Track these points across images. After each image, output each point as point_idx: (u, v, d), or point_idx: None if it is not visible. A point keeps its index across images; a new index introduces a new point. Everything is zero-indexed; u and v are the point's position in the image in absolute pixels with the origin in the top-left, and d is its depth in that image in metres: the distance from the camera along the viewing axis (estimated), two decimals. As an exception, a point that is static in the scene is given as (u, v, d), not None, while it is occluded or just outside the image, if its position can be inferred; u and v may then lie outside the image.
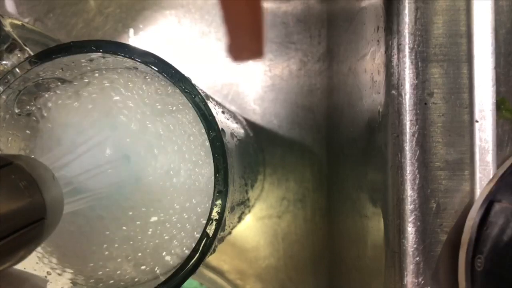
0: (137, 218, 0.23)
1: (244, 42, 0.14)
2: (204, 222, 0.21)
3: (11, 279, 0.18)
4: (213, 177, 0.21)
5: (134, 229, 0.23)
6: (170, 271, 0.22)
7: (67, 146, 0.23)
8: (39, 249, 0.24)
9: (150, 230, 0.23)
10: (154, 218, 0.23)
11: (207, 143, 0.22)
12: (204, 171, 0.23)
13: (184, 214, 0.23)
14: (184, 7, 0.42)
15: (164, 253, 0.23)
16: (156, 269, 0.23)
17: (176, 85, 0.21)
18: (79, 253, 0.24)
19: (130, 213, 0.23)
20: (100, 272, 0.23)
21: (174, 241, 0.23)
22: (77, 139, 0.23)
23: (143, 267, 0.23)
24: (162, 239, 0.23)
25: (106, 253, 0.23)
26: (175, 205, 0.23)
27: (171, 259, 0.23)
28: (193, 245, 0.21)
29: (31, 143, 0.24)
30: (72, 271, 0.24)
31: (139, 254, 0.23)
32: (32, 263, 0.23)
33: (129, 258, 0.23)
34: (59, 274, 0.23)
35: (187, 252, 0.23)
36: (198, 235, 0.22)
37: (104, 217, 0.23)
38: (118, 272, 0.23)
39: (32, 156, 0.23)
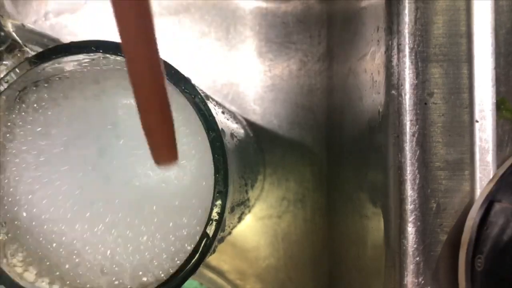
0: (119, 228, 0.23)
1: (160, 152, 0.17)
2: (190, 248, 0.21)
3: None
4: (201, 211, 0.21)
5: (115, 240, 0.23)
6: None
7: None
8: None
9: (131, 246, 0.23)
10: (135, 233, 0.23)
11: (206, 159, 0.22)
12: (198, 191, 0.23)
13: (171, 236, 0.23)
14: (184, 7, 0.42)
15: (140, 272, 0.23)
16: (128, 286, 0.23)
17: (176, 86, 0.21)
18: (50, 257, 0.23)
19: (113, 221, 0.23)
20: (68, 282, 0.23)
21: (154, 261, 0.23)
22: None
23: (116, 282, 0.23)
24: (144, 257, 0.23)
25: (77, 260, 0.23)
26: (158, 223, 0.23)
27: (147, 279, 0.23)
28: (171, 270, 0.21)
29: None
30: (36, 272, 0.23)
31: (116, 268, 0.23)
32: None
33: (105, 270, 0.23)
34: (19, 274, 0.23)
35: (163, 276, 0.23)
36: (179, 262, 0.22)
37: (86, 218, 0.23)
38: (88, 285, 0.23)
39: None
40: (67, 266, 0.23)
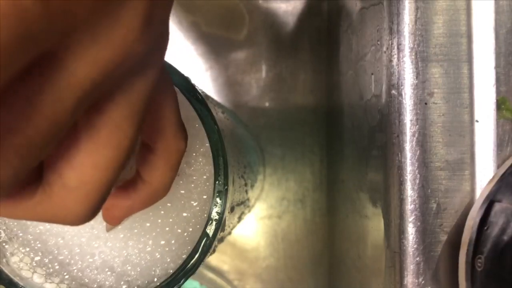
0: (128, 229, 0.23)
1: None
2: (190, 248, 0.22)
3: None
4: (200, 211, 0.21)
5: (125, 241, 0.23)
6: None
7: None
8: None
9: (140, 246, 0.23)
10: (142, 234, 0.23)
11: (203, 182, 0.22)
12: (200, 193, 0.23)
13: (172, 238, 0.23)
14: (184, 7, 0.42)
15: (153, 268, 0.23)
16: (138, 281, 0.23)
17: (176, 86, 0.21)
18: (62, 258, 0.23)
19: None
20: (86, 280, 0.23)
21: (159, 260, 0.23)
22: None
23: (126, 278, 0.23)
24: (153, 255, 0.23)
25: (90, 260, 0.23)
26: (163, 223, 0.23)
27: (156, 274, 0.23)
28: (171, 270, 0.21)
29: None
30: (44, 273, 0.23)
31: (129, 267, 0.23)
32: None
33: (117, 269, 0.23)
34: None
35: (164, 276, 0.23)
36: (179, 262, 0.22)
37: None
38: (98, 280, 0.23)
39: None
40: (77, 267, 0.23)
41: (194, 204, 0.23)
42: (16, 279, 0.22)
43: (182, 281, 0.21)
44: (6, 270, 0.22)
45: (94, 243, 0.23)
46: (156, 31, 0.13)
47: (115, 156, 0.14)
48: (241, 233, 0.42)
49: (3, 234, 0.23)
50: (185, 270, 0.20)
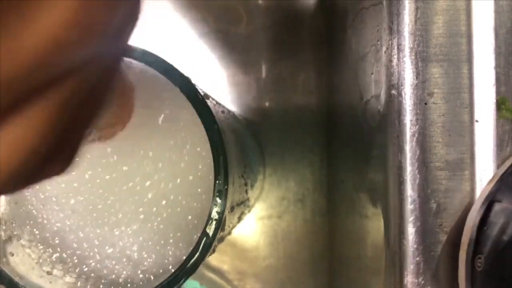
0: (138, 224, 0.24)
1: None
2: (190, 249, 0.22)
3: None
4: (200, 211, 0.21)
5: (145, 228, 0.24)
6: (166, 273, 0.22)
7: None
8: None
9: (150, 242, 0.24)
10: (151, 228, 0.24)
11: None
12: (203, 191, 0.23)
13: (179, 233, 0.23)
14: (183, 7, 0.42)
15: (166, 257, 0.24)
16: (153, 269, 0.24)
17: (176, 85, 0.21)
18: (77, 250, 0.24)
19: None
20: (105, 271, 0.24)
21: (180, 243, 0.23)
22: None
23: (142, 267, 0.24)
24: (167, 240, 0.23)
25: (109, 251, 0.24)
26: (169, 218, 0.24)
27: (169, 262, 0.24)
28: (172, 269, 0.21)
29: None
30: (62, 268, 0.24)
31: (145, 254, 0.23)
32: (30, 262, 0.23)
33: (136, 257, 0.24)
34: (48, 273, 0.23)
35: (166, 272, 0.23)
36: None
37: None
38: (116, 271, 0.24)
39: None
40: (95, 259, 0.24)
41: (203, 196, 0.24)
42: (16, 279, 0.22)
43: (182, 281, 0.21)
44: (6, 269, 0.22)
45: (115, 230, 0.23)
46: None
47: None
48: (241, 233, 0.42)
49: (3, 234, 0.23)
50: (185, 270, 0.21)
